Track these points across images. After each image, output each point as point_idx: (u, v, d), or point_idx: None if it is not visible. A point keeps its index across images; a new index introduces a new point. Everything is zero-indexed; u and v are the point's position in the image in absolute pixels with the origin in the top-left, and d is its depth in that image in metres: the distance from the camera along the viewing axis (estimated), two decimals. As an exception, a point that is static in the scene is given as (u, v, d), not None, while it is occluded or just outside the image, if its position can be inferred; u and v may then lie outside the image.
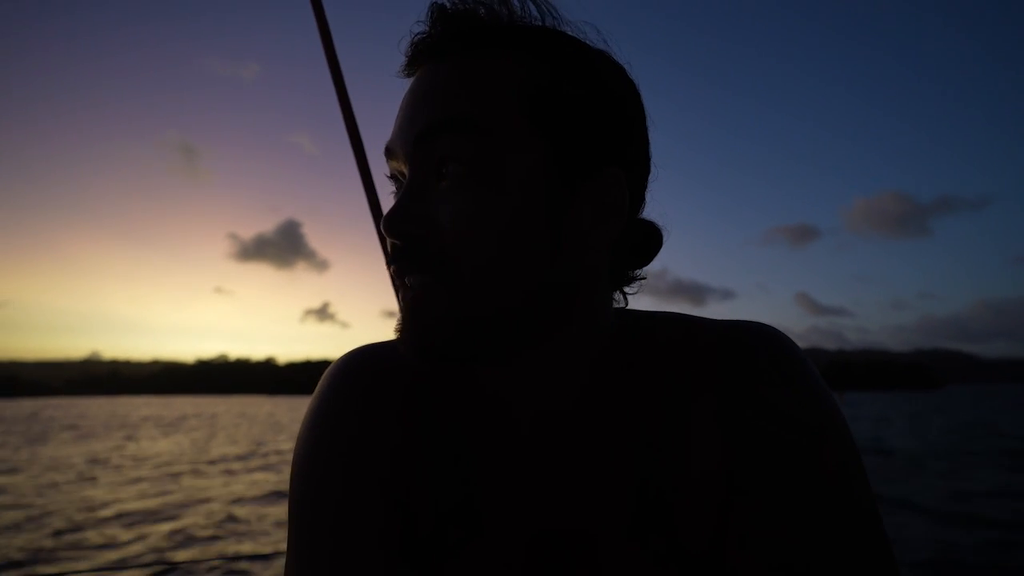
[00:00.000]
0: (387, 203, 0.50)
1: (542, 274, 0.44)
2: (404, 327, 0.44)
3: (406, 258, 0.43)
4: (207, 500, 10.14)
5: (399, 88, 0.48)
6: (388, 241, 0.44)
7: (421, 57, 0.46)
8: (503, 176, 0.42)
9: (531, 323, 0.45)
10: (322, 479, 0.47)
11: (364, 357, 0.52)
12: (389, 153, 0.46)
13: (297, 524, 0.47)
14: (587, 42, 0.47)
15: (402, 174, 0.46)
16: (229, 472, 13.86)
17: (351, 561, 0.43)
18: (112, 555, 6.70)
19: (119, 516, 8.88)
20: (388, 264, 0.48)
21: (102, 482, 12.41)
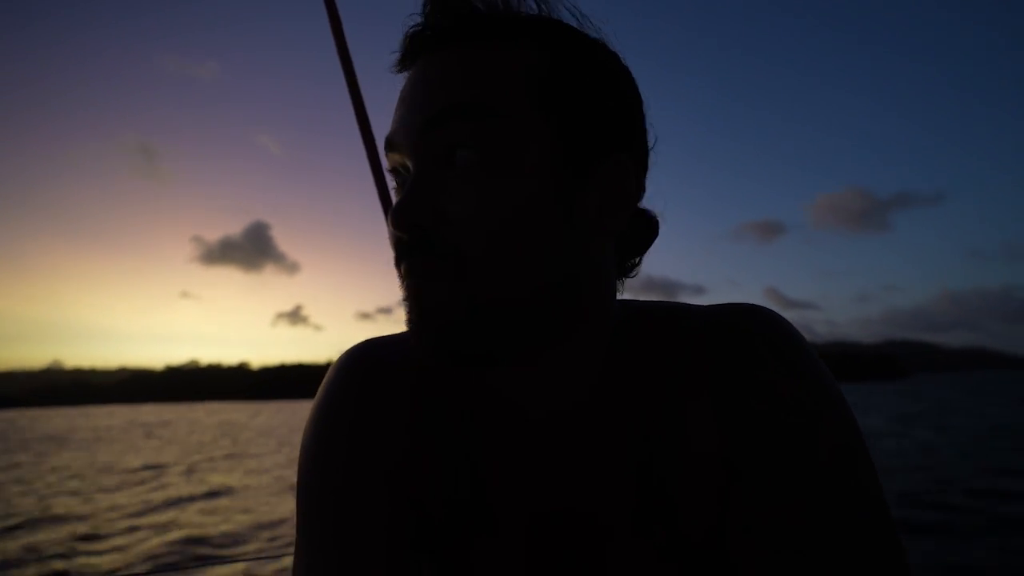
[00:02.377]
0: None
1: (555, 264, 0.42)
2: (415, 326, 0.42)
3: (416, 252, 0.41)
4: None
5: (396, 83, 0.46)
6: (394, 236, 0.43)
7: (420, 49, 0.44)
8: (516, 162, 0.41)
9: (545, 317, 0.43)
10: (329, 472, 0.47)
11: (369, 351, 0.52)
12: (390, 146, 0.45)
13: (305, 517, 0.47)
14: (584, 30, 0.47)
15: (405, 167, 0.44)
16: (105, 490, 12.14)
17: (358, 552, 0.43)
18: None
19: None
20: (397, 260, 0.44)
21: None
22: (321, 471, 0.47)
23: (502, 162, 0.41)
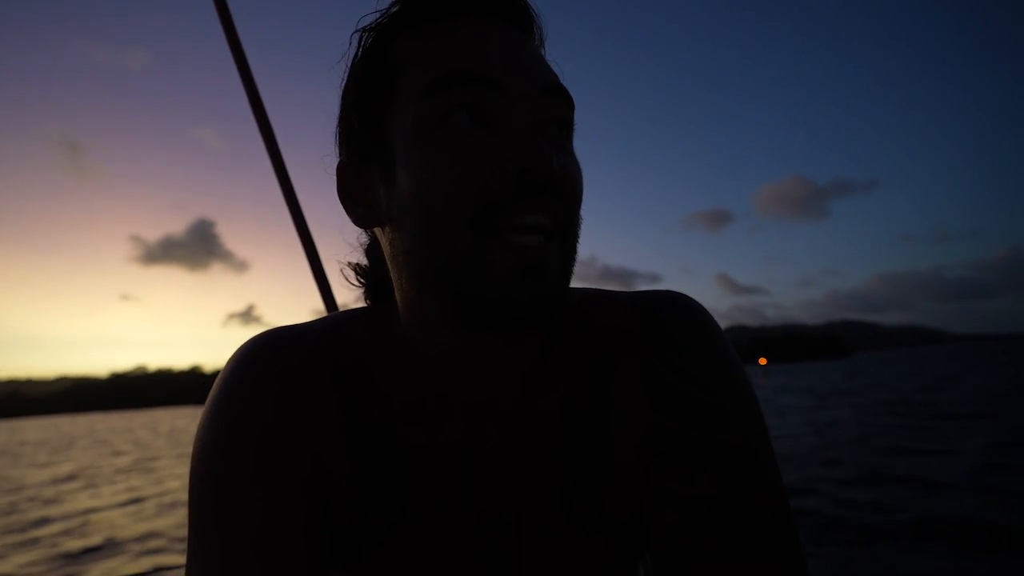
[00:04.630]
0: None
1: None
2: (527, 282, 0.40)
3: (549, 195, 0.40)
4: None
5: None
6: (520, 176, 0.39)
7: (478, 6, 0.44)
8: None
9: None
10: (234, 480, 0.42)
11: (277, 341, 0.48)
12: (486, 81, 0.41)
13: (203, 531, 0.42)
14: None
15: (497, 110, 0.41)
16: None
17: (271, 567, 0.40)
18: None
19: None
20: (500, 202, 0.40)
21: None
22: (227, 477, 0.42)
23: (572, 147, 0.46)
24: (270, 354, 0.47)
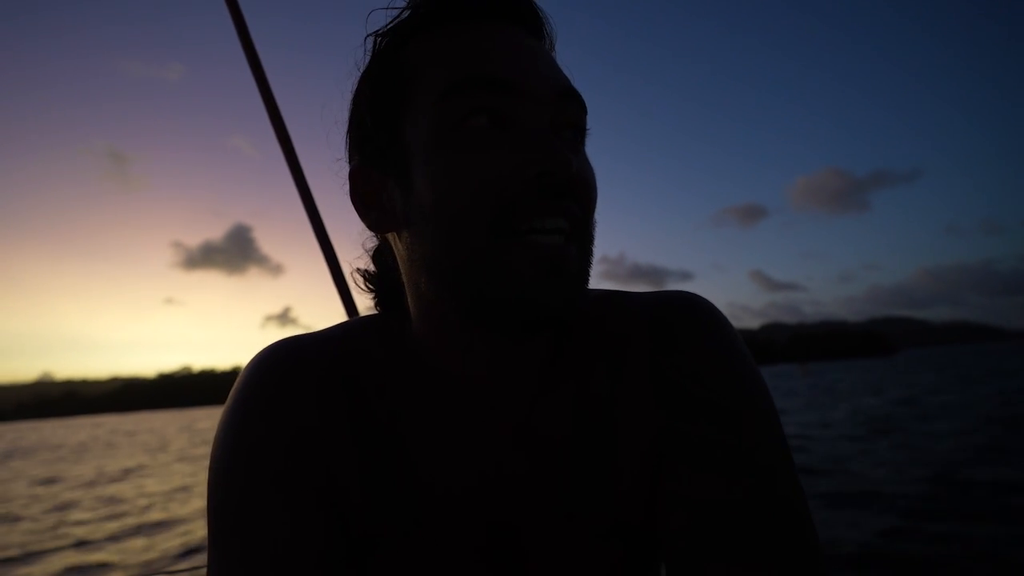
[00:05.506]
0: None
1: None
2: (547, 282, 0.40)
3: (567, 199, 0.41)
4: None
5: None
6: (539, 179, 0.40)
7: (490, 10, 0.45)
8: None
9: None
10: (253, 490, 0.42)
11: (292, 352, 0.48)
12: (503, 84, 0.41)
13: (222, 540, 0.42)
14: None
15: (514, 114, 0.41)
16: None
17: (291, 571, 0.40)
18: None
19: None
20: (517, 205, 0.40)
21: None
22: (247, 487, 0.43)
23: (584, 149, 0.47)
24: (284, 365, 0.47)
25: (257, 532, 0.41)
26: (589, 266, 0.44)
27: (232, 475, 0.43)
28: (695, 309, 0.49)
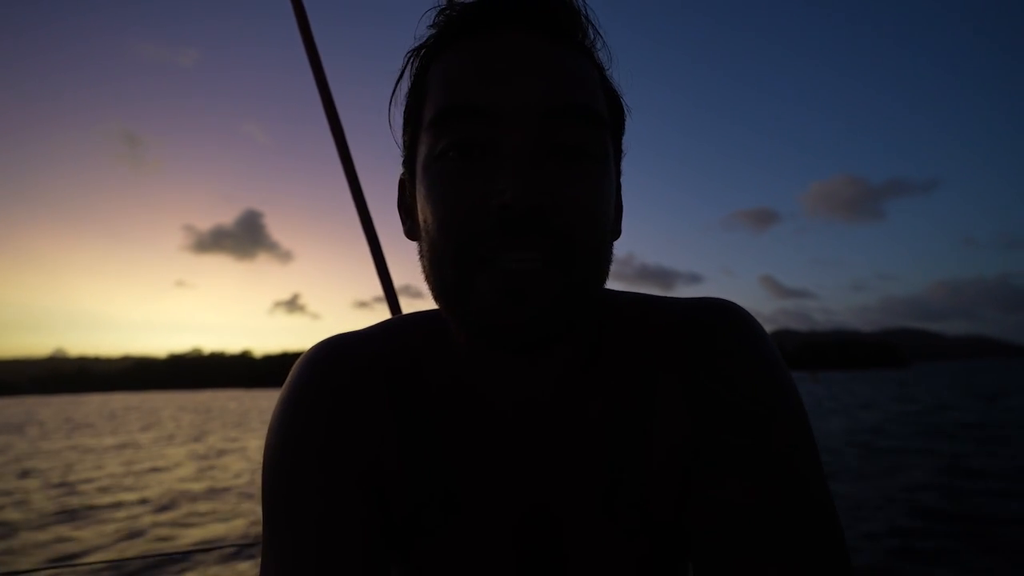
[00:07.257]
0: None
1: (611, 259, 0.47)
2: (508, 306, 0.40)
3: (532, 232, 0.40)
4: None
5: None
6: (499, 212, 0.40)
7: (503, 17, 0.44)
8: (608, 167, 0.45)
9: (593, 307, 0.47)
10: (299, 473, 0.46)
11: (336, 348, 0.52)
12: (477, 113, 0.41)
13: (273, 519, 0.46)
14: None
15: (489, 141, 0.42)
16: None
17: (334, 554, 0.43)
18: None
19: None
20: (484, 237, 0.40)
21: None
22: (291, 472, 0.46)
23: (602, 165, 0.44)
24: (328, 359, 0.50)
25: (302, 509, 0.44)
26: (584, 287, 0.42)
27: (280, 460, 0.47)
28: (730, 315, 0.49)
